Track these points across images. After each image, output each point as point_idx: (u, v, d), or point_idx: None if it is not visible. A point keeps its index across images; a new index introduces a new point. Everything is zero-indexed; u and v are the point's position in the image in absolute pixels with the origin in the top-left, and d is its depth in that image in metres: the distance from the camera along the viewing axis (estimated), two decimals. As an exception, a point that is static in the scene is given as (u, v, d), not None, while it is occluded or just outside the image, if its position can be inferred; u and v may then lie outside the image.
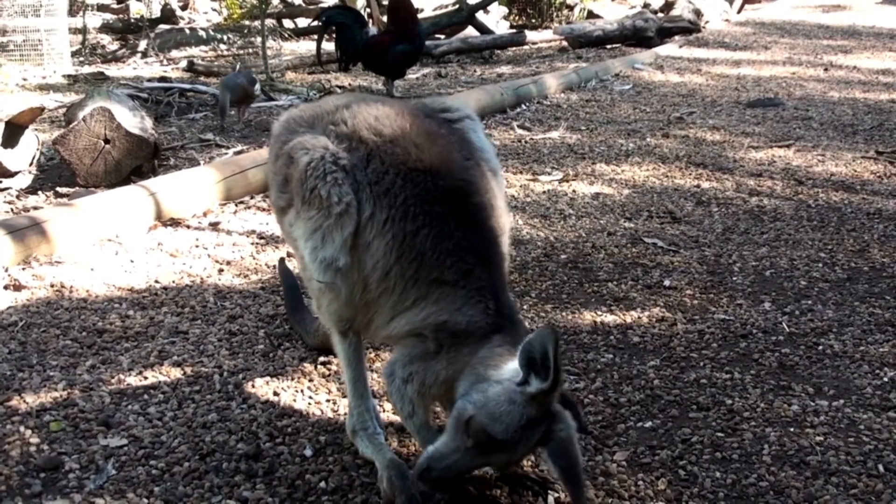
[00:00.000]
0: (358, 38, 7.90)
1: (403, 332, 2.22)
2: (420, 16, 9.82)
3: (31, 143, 5.40)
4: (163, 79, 8.72)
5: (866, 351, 3.11)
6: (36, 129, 5.76)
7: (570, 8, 14.67)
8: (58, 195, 4.93)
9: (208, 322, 3.31)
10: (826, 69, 9.81)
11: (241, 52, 11.50)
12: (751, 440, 2.53)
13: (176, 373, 2.90)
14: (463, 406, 2.04)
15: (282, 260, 3.47)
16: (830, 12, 15.24)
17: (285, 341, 3.16)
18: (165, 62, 11.17)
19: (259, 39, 9.87)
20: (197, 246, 4.14)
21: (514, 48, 11.80)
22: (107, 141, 5.08)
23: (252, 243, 4.20)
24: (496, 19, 13.86)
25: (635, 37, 11.62)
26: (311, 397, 2.77)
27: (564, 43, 11.87)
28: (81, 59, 11.53)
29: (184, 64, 10.19)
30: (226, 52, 11.67)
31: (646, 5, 15.01)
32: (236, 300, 3.51)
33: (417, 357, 2.20)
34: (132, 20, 13.80)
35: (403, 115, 2.32)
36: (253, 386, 2.82)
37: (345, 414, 2.56)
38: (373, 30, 8.58)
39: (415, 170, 2.20)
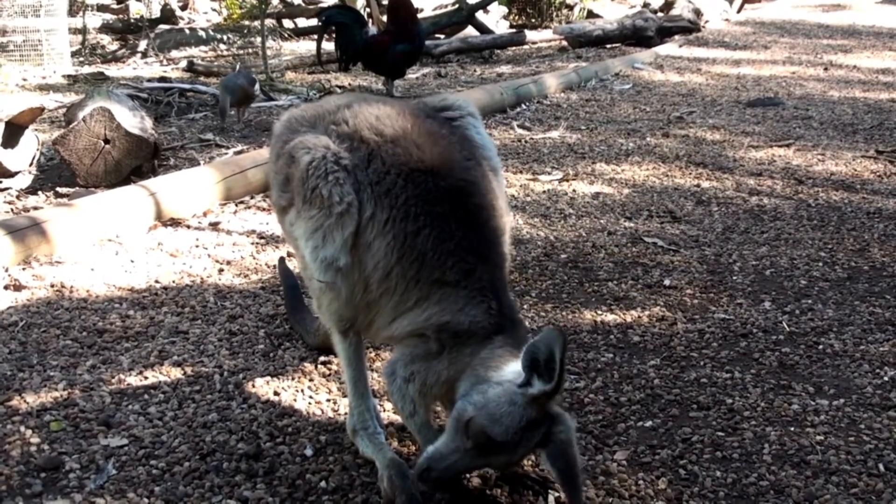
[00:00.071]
0: (358, 38, 7.90)
1: (405, 333, 2.22)
2: (420, 15, 9.82)
3: (31, 144, 5.40)
4: (163, 79, 8.72)
5: (866, 350, 3.11)
6: (36, 130, 5.76)
7: (570, 7, 14.66)
8: (58, 195, 4.94)
9: (208, 322, 3.31)
10: (826, 68, 9.81)
11: (241, 52, 11.50)
12: (751, 439, 2.53)
13: (176, 373, 2.90)
14: (463, 407, 2.04)
15: (282, 259, 3.47)
16: (830, 12, 15.24)
17: (286, 341, 3.16)
18: (165, 62, 11.17)
19: (259, 39, 9.87)
20: (197, 246, 4.14)
21: (513, 48, 11.80)
22: (107, 141, 5.08)
23: (252, 243, 4.20)
24: (496, 19, 13.86)
25: (635, 36, 11.62)
26: (311, 397, 2.77)
27: (564, 42, 11.86)
28: (81, 59, 11.53)
29: (184, 64, 10.19)
30: (226, 53, 11.67)
31: (645, 5, 15.01)
32: (236, 300, 3.52)
33: (419, 357, 2.20)
34: (132, 20, 13.79)
35: (405, 115, 2.32)
36: (253, 386, 2.82)
37: (345, 413, 2.56)
38: (373, 29, 8.58)
39: (416, 170, 2.20)
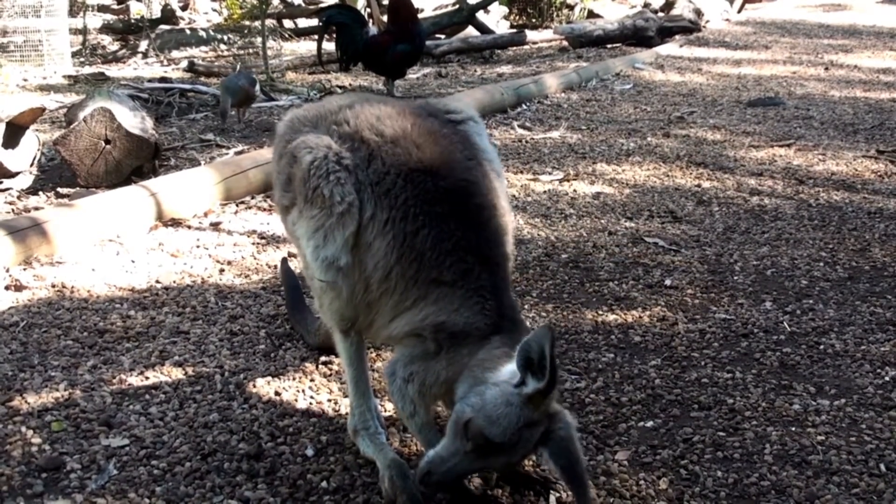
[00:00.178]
0: (358, 38, 7.89)
1: (404, 333, 2.22)
2: (420, 16, 9.82)
3: (31, 144, 5.40)
4: (163, 79, 8.71)
5: (867, 350, 3.11)
6: (36, 130, 5.76)
7: (571, 7, 14.66)
8: (58, 195, 4.94)
9: (209, 322, 3.31)
10: (827, 68, 9.81)
11: (242, 52, 11.49)
12: (752, 439, 2.53)
13: (177, 373, 2.90)
14: (461, 409, 2.04)
15: (284, 260, 3.47)
16: (831, 11, 15.24)
17: (286, 341, 3.16)
18: (166, 62, 11.17)
19: (259, 40, 9.86)
20: (198, 246, 4.14)
21: (514, 48, 11.80)
22: (107, 141, 5.08)
23: (253, 243, 4.20)
24: (496, 19, 13.86)
25: (636, 36, 11.62)
26: (312, 397, 2.77)
27: (565, 43, 11.86)
28: (82, 59, 11.53)
29: (184, 64, 10.18)
30: (226, 53, 11.67)
31: (646, 5, 15.00)
32: (237, 300, 3.52)
33: (418, 357, 2.20)
34: (132, 21, 13.78)
35: (405, 116, 2.32)
36: (254, 386, 2.82)
37: (346, 414, 2.56)
38: (373, 30, 8.57)
39: (415, 170, 2.20)
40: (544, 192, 5.07)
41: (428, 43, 9.87)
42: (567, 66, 9.52)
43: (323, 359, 3.00)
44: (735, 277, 3.79)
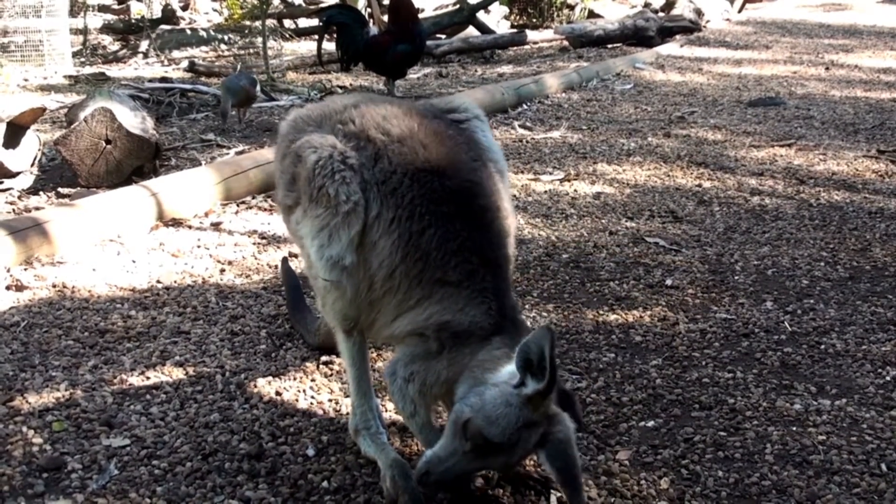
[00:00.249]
0: (359, 38, 7.89)
1: (406, 332, 2.22)
2: (421, 15, 9.81)
3: (32, 144, 5.40)
4: (164, 79, 8.71)
5: (868, 350, 3.11)
6: (37, 130, 5.76)
7: (571, 7, 14.66)
8: (59, 195, 4.94)
9: (210, 322, 3.31)
10: (827, 68, 9.80)
11: (242, 52, 11.49)
12: (753, 439, 2.53)
13: (178, 373, 2.90)
14: (460, 409, 2.04)
15: (285, 260, 3.47)
16: (831, 11, 15.24)
17: (287, 341, 3.16)
18: (166, 62, 11.17)
19: (260, 40, 9.86)
20: (199, 246, 4.14)
21: (515, 48, 11.80)
22: (108, 141, 5.08)
23: (254, 243, 4.20)
24: (497, 19, 13.86)
25: (636, 36, 11.62)
26: (313, 397, 2.77)
27: (565, 42, 11.86)
28: (82, 59, 11.53)
29: (185, 64, 10.19)
30: (227, 53, 11.67)
31: (647, 5, 15.00)
32: (238, 300, 3.52)
33: (419, 357, 2.20)
34: (133, 21, 13.78)
35: (412, 116, 2.32)
36: (255, 386, 2.82)
37: (347, 413, 2.56)
38: (373, 30, 8.58)
39: (422, 170, 2.20)
40: (545, 191, 5.07)
41: (428, 43, 9.87)
42: (568, 66, 9.51)
43: (324, 359, 3.00)
44: (736, 277, 3.79)
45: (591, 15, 14.43)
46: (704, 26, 12.89)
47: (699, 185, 5.21)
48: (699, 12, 12.84)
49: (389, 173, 2.21)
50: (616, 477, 2.34)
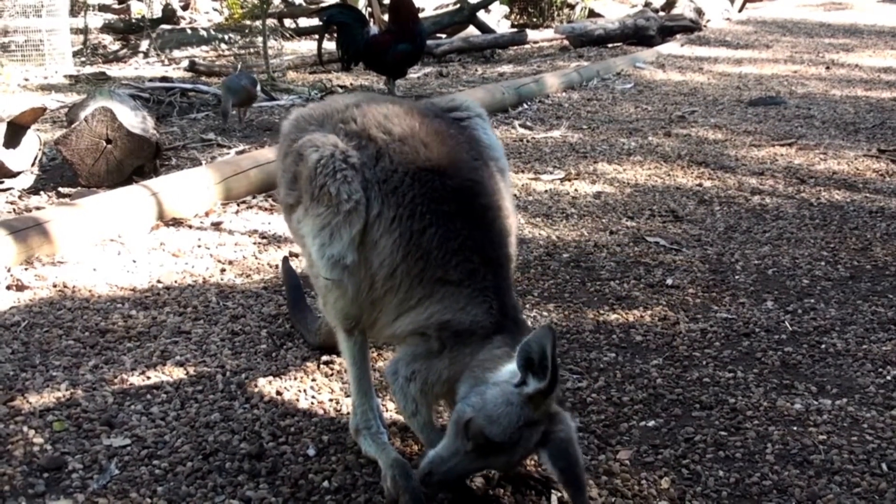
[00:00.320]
0: (359, 38, 7.89)
1: (407, 331, 2.22)
2: (421, 15, 9.82)
3: (33, 144, 5.40)
4: (164, 79, 8.71)
5: (869, 349, 3.11)
6: (38, 130, 5.76)
7: (572, 7, 14.65)
8: (60, 195, 4.94)
9: (211, 322, 3.31)
10: (828, 67, 9.80)
11: (243, 51, 11.49)
12: (754, 439, 2.53)
13: (179, 373, 2.90)
14: (462, 409, 2.04)
15: (285, 259, 3.47)
16: (832, 11, 15.23)
17: (288, 341, 3.16)
18: (167, 62, 11.17)
19: (260, 39, 9.86)
20: (199, 246, 4.14)
21: (515, 47, 11.80)
22: (108, 141, 5.08)
23: (254, 243, 4.20)
24: (497, 18, 13.85)
25: (637, 35, 11.61)
26: (313, 397, 2.77)
27: (566, 42, 11.85)
28: (83, 59, 11.53)
29: (185, 64, 10.18)
30: (227, 52, 11.67)
31: (647, 4, 14.99)
32: (239, 300, 3.52)
33: (421, 356, 2.20)
34: (133, 20, 13.78)
35: (413, 115, 2.32)
36: (256, 385, 2.82)
37: (348, 413, 2.56)
38: (374, 29, 8.57)
39: (423, 169, 2.20)
40: (545, 191, 5.07)
41: (429, 42, 9.87)
42: (568, 66, 9.51)
43: (324, 358, 3.00)
44: (736, 277, 3.79)
45: (592, 14, 14.42)
46: (705, 26, 12.89)
47: (700, 185, 5.21)
48: (700, 11, 12.84)
49: (390, 172, 2.21)
50: (617, 477, 2.34)
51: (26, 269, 3.75)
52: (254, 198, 4.91)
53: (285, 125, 2.47)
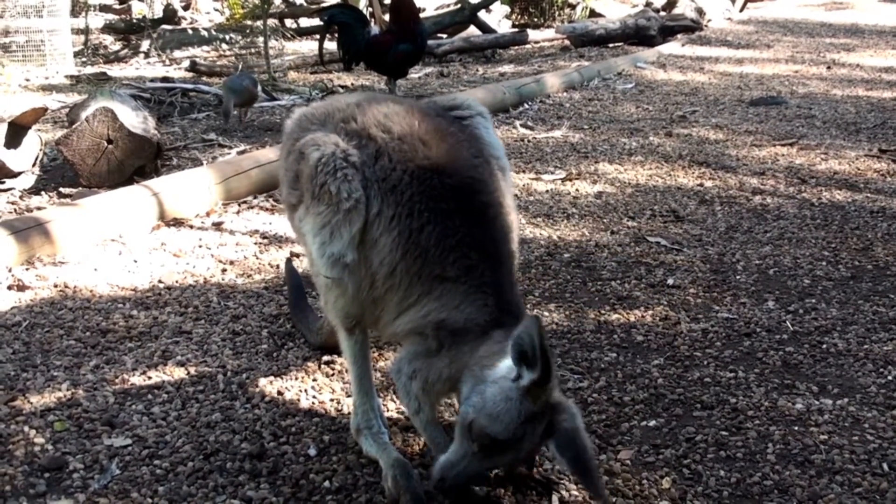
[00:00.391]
0: (360, 38, 7.89)
1: (408, 330, 2.22)
2: (422, 15, 9.81)
3: (34, 144, 5.40)
4: (165, 79, 8.72)
5: (870, 349, 3.10)
6: (39, 130, 5.76)
7: (573, 7, 14.65)
8: (61, 195, 4.94)
9: (212, 322, 3.31)
10: (829, 67, 9.80)
11: (244, 52, 11.50)
12: (755, 439, 2.53)
13: (180, 373, 2.90)
14: (465, 411, 2.04)
15: (288, 259, 3.48)
16: (833, 10, 15.23)
17: (289, 341, 3.16)
18: (168, 62, 11.17)
19: (261, 39, 9.86)
20: (200, 246, 4.14)
21: (516, 47, 11.80)
22: (109, 141, 5.08)
23: (255, 243, 4.20)
24: (498, 18, 13.85)
25: (638, 35, 11.62)
26: (314, 397, 2.77)
27: (567, 42, 11.86)
28: (84, 59, 11.53)
29: (186, 64, 10.19)
30: (228, 53, 11.67)
31: (648, 4, 14.99)
32: (240, 300, 3.52)
33: (421, 354, 2.21)
34: (134, 20, 13.79)
35: (413, 113, 2.33)
36: (257, 385, 2.82)
37: (349, 413, 2.56)
38: (375, 29, 8.56)
39: (422, 167, 2.21)
40: (546, 191, 5.06)
41: (430, 42, 9.87)
42: (569, 66, 9.51)
43: (325, 358, 3.00)
44: (737, 277, 3.79)
45: (593, 14, 14.42)
46: (706, 25, 12.89)
47: (701, 185, 5.21)
48: (701, 11, 12.84)
49: (389, 170, 2.21)
50: (618, 477, 2.34)
51: (27, 269, 3.76)
52: (255, 198, 4.91)
53: (288, 124, 2.47)
